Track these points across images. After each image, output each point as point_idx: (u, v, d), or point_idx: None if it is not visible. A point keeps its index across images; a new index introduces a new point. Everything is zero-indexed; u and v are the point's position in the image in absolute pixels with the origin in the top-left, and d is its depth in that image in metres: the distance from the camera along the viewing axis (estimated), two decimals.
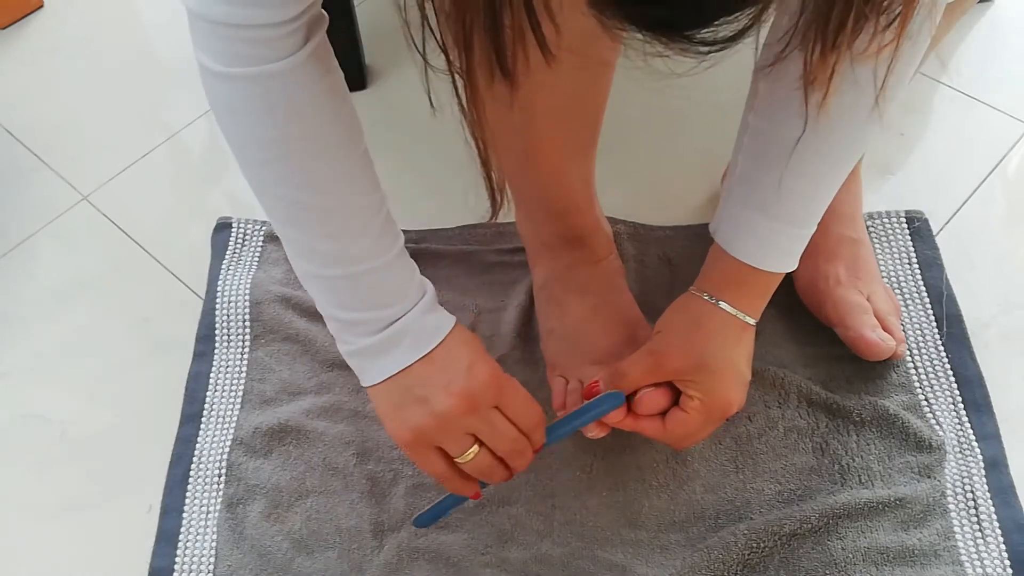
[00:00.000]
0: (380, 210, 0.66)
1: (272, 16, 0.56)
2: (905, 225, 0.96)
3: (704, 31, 0.43)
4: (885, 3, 0.46)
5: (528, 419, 0.70)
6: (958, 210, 0.98)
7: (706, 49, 0.44)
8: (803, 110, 0.58)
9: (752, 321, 0.74)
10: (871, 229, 0.96)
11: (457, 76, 0.52)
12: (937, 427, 0.83)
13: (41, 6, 1.28)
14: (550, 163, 0.80)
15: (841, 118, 0.64)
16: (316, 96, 0.61)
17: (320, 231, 0.65)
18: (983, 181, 1.00)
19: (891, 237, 0.96)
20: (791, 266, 0.73)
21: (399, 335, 0.66)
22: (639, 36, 0.44)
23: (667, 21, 0.43)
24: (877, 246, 0.95)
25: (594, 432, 0.76)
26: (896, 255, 0.95)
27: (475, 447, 0.69)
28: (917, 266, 0.93)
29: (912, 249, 0.95)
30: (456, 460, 0.69)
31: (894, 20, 0.46)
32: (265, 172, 0.64)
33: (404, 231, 0.97)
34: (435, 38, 0.51)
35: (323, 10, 0.61)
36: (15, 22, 1.26)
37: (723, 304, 0.73)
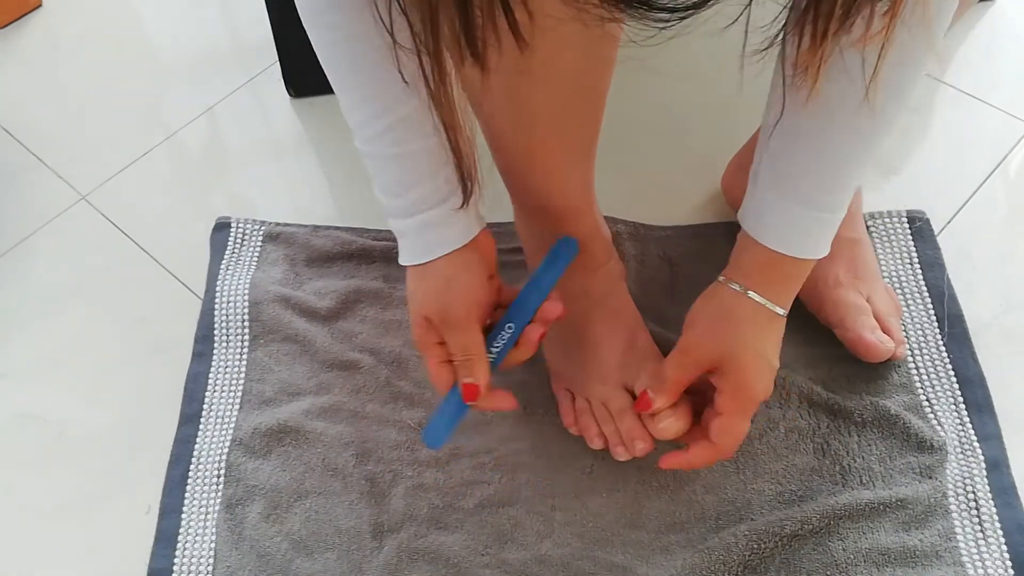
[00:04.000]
0: (408, 100, 0.65)
1: None
2: (907, 225, 0.96)
3: None
4: None
5: (462, 367, 0.72)
6: (959, 210, 0.98)
7: (667, 16, 0.43)
8: (846, 87, 0.57)
9: (781, 311, 0.73)
10: (872, 229, 0.96)
11: (424, 57, 0.52)
12: (938, 428, 0.83)
13: (39, 5, 1.28)
14: (549, 164, 0.79)
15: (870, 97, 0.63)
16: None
17: (370, 111, 0.66)
18: (985, 181, 1.00)
19: (892, 237, 0.96)
20: (821, 252, 0.71)
21: (409, 230, 0.69)
22: (595, 1, 0.43)
23: None
24: (878, 246, 0.95)
25: (623, 456, 0.78)
26: (897, 255, 0.94)
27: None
28: (918, 266, 0.93)
29: (913, 249, 0.94)
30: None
31: (888, 8, 0.46)
32: (331, 63, 0.65)
33: None
34: (404, 16, 0.50)
35: None
36: (13, 21, 1.26)
37: (752, 294, 0.72)
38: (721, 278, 0.74)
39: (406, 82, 0.58)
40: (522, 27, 0.46)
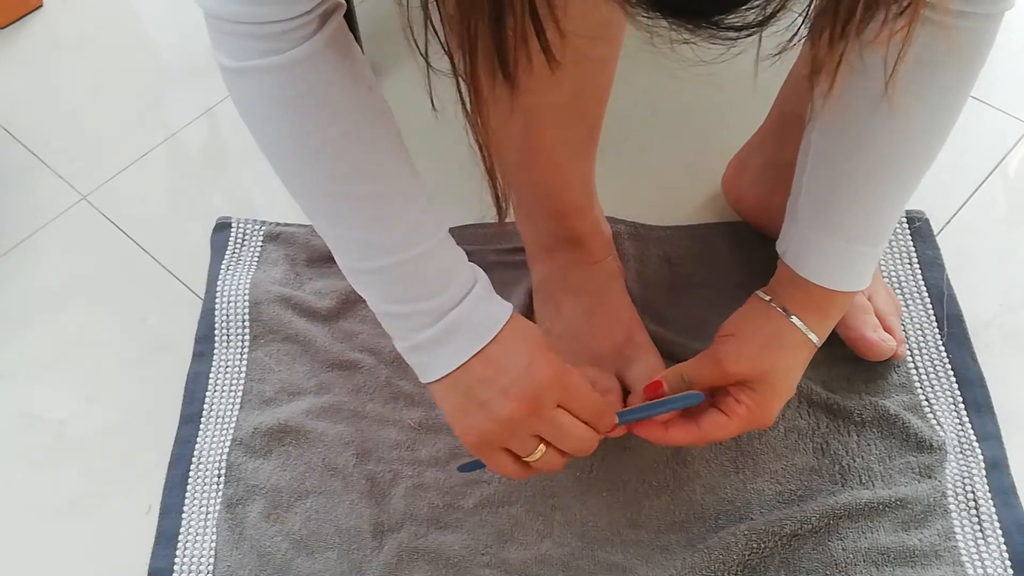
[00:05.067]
0: (416, 196, 0.64)
1: (285, 12, 0.56)
2: (906, 225, 0.96)
3: (731, 16, 0.42)
4: None
5: (592, 411, 0.69)
6: (959, 210, 0.98)
7: (734, 35, 0.43)
8: (872, 121, 0.57)
9: (817, 342, 0.73)
10: None
11: (461, 80, 0.51)
12: (938, 427, 0.83)
13: (40, 6, 1.28)
14: (550, 163, 0.79)
15: (908, 124, 0.63)
16: (334, 82, 0.60)
17: (355, 221, 0.63)
18: (984, 181, 1.00)
19: (892, 237, 0.96)
20: (863, 284, 0.72)
21: (451, 328, 0.64)
22: (664, 23, 0.43)
23: (694, 6, 0.42)
24: None
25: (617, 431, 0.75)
26: (897, 255, 0.94)
27: (542, 447, 0.68)
28: (918, 266, 0.93)
29: (913, 249, 0.95)
30: (524, 459, 0.68)
31: (906, 8, 0.45)
32: (292, 166, 0.63)
33: None
34: (439, 40, 0.50)
35: None
36: (14, 22, 1.26)
37: (795, 319, 0.72)
38: (765, 296, 0.73)
39: (435, 108, 0.56)
40: (552, 44, 0.47)
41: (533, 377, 0.65)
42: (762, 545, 0.76)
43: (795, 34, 0.46)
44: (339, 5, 0.60)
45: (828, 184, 0.69)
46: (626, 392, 0.82)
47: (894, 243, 0.95)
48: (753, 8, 0.42)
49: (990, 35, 0.61)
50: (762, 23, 0.42)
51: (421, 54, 0.52)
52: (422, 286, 0.64)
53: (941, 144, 0.67)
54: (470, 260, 0.68)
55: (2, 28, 1.26)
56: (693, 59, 0.46)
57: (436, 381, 0.67)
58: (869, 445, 0.82)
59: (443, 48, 0.50)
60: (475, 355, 0.65)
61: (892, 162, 0.67)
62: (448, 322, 0.64)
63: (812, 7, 0.46)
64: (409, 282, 0.64)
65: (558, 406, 0.67)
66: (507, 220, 0.63)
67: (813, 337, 0.72)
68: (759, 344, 0.72)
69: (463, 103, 0.53)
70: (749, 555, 0.76)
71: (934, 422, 0.83)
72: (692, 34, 0.43)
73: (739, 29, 0.43)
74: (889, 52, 0.53)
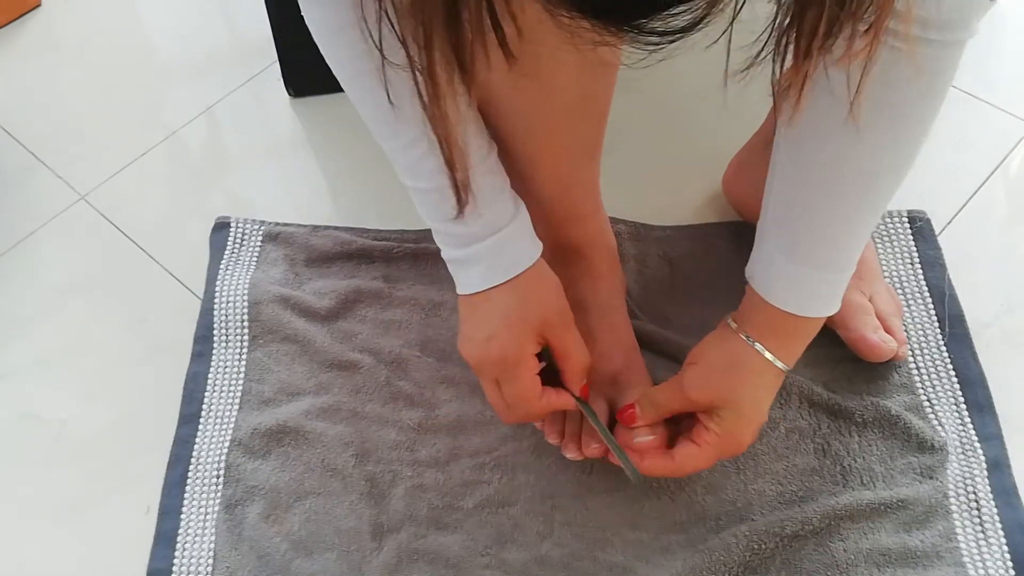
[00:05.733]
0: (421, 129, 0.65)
1: None
2: (907, 225, 0.96)
3: (654, 21, 0.41)
4: (857, 8, 0.44)
5: (515, 406, 0.75)
6: (960, 210, 0.98)
7: (656, 40, 0.42)
8: (837, 140, 0.58)
9: (785, 368, 0.73)
10: (874, 229, 0.96)
11: (417, 73, 0.52)
12: (939, 428, 0.83)
13: (38, 5, 1.28)
14: (553, 169, 0.79)
15: (872, 144, 0.63)
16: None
17: (403, 142, 0.67)
18: (985, 181, 1.00)
19: (893, 237, 0.95)
20: (830, 311, 0.72)
21: (474, 258, 0.70)
22: (586, 25, 0.42)
23: (614, 9, 0.41)
24: (879, 246, 0.95)
25: (573, 454, 0.79)
26: (898, 255, 0.94)
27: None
28: (919, 266, 0.93)
29: (915, 249, 0.94)
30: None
31: (868, 28, 0.46)
32: (348, 89, 0.66)
33: (405, 231, 0.98)
34: (395, 33, 0.50)
35: None
36: (12, 21, 1.26)
37: (759, 346, 0.72)
38: (732, 324, 0.74)
39: (391, 103, 0.59)
40: (510, 40, 0.47)
41: (487, 346, 0.72)
42: (763, 546, 0.76)
43: (762, 50, 0.46)
44: None
45: (793, 208, 0.69)
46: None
47: (896, 243, 0.95)
48: (677, 15, 0.41)
49: (951, 62, 0.61)
50: (686, 29, 0.42)
51: (376, 46, 0.53)
52: (448, 212, 0.68)
53: (907, 167, 0.66)
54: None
55: (1, 28, 1.25)
56: (621, 62, 0.46)
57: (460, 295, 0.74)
58: (870, 446, 0.82)
59: (399, 40, 0.50)
60: (484, 292, 0.71)
61: (856, 184, 0.66)
62: (471, 251, 0.70)
63: (776, 24, 0.45)
64: (443, 205, 0.68)
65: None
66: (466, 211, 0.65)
67: (779, 364, 0.72)
68: (721, 371, 0.73)
69: (420, 96, 0.54)
70: (750, 556, 0.76)
71: (935, 422, 0.83)
72: (614, 37, 0.43)
73: (661, 34, 0.42)
74: (853, 71, 0.53)
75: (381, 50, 0.52)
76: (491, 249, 0.70)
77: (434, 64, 0.50)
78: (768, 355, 0.72)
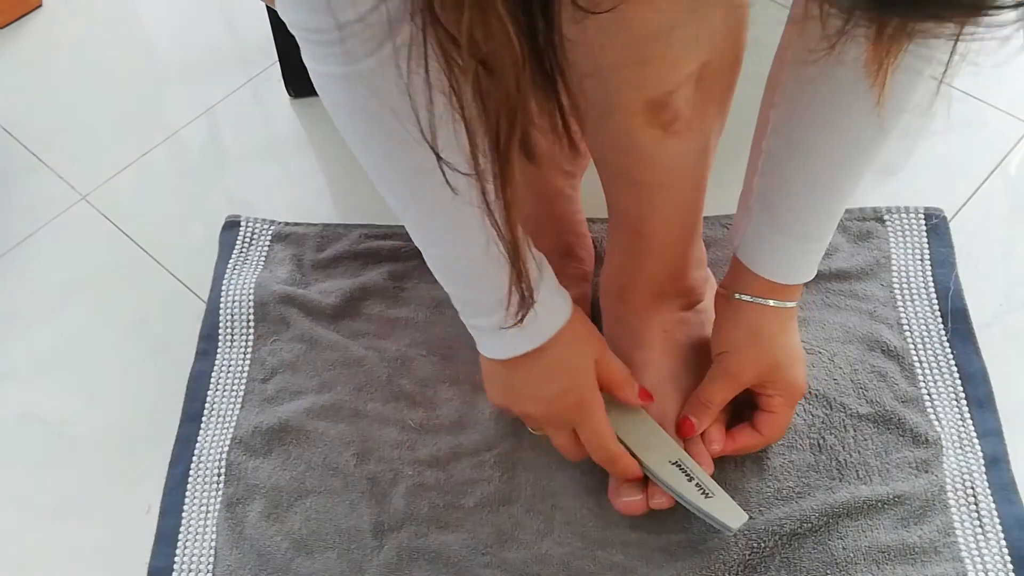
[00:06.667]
0: (469, 216, 0.62)
1: (315, 23, 0.54)
2: (923, 221, 0.96)
3: None
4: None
5: (598, 454, 0.75)
6: (960, 209, 0.98)
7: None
8: (831, 123, 0.58)
9: (794, 305, 0.76)
10: (888, 223, 0.96)
11: (484, 182, 0.53)
12: (935, 422, 0.83)
13: (39, 5, 1.28)
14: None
15: (870, 117, 0.64)
16: (383, 106, 0.57)
17: (419, 217, 0.65)
18: (985, 180, 1.00)
19: (907, 232, 0.96)
20: (810, 276, 0.75)
21: (502, 328, 0.67)
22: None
23: None
24: (892, 240, 0.95)
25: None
26: (909, 250, 0.95)
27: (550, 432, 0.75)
28: (928, 263, 0.94)
29: (926, 245, 0.95)
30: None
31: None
32: (362, 156, 0.64)
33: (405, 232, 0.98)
34: (466, 136, 0.50)
35: None
36: (13, 21, 1.26)
37: (772, 302, 0.75)
38: (736, 295, 0.76)
39: (453, 190, 0.56)
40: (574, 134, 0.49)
41: (557, 402, 0.71)
42: (762, 545, 0.76)
43: (848, 20, 0.42)
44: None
45: (783, 188, 0.70)
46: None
47: (908, 238, 0.95)
48: None
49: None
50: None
51: (431, 146, 0.52)
52: (479, 281, 0.66)
53: (888, 142, 0.68)
54: None
55: (2, 28, 1.26)
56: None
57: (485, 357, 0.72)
58: (866, 440, 0.82)
59: (471, 144, 0.50)
60: (520, 356, 0.69)
61: (855, 159, 0.68)
62: (499, 320, 0.66)
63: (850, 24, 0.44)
64: (466, 277, 0.67)
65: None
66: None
67: (789, 305, 0.75)
68: (753, 345, 0.76)
69: (486, 202, 0.54)
70: (749, 555, 0.76)
71: (932, 417, 0.83)
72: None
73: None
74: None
75: (437, 151, 0.51)
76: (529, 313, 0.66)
77: (511, 156, 0.50)
78: (777, 304, 0.75)
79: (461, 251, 0.65)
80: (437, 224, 0.64)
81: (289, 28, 0.57)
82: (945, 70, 0.40)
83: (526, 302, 0.62)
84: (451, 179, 0.54)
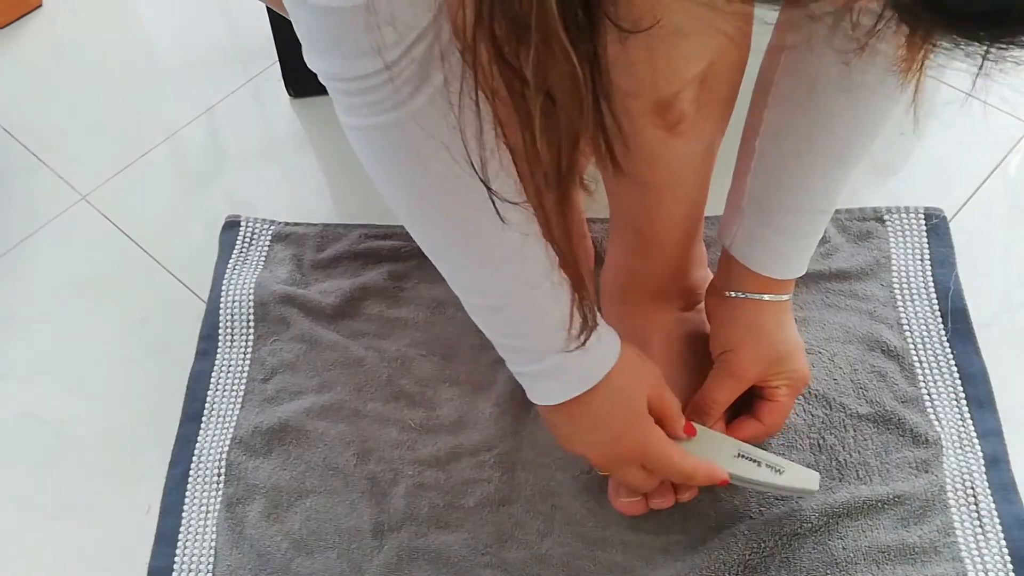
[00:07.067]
0: (520, 247, 0.61)
1: (358, 69, 0.52)
2: (923, 221, 0.96)
3: None
4: None
5: (674, 478, 0.74)
6: (960, 209, 0.98)
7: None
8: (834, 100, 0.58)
9: (788, 297, 0.77)
10: (888, 223, 0.96)
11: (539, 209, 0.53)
12: (935, 422, 0.83)
13: (39, 5, 1.28)
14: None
15: (866, 107, 0.65)
16: (433, 143, 0.55)
17: (459, 268, 0.64)
18: (985, 180, 1.00)
19: (907, 232, 0.96)
20: (803, 270, 0.76)
21: (552, 371, 0.66)
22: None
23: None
24: (892, 239, 0.95)
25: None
26: (910, 250, 0.95)
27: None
28: (928, 262, 0.94)
29: (926, 245, 0.95)
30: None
31: None
32: (400, 209, 0.62)
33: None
34: (527, 163, 0.51)
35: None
36: (13, 21, 1.26)
37: (767, 297, 0.75)
38: (729, 293, 0.76)
39: (503, 220, 0.56)
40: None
41: (614, 448, 0.70)
42: (762, 544, 0.76)
43: (880, 19, 0.40)
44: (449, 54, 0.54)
45: (776, 187, 0.71)
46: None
47: (908, 238, 0.95)
48: None
49: None
50: None
51: (481, 179, 0.52)
52: (526, 327, 0.65)
53: (879, 135, 0.68)
54: None
55: (2, 28, 1.26)
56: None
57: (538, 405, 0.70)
58: (866, 440, 0.82)
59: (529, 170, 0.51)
60: (572, 400, 0.67)
61: (849, 153, 0.68)
62: (550, 364, 0.65)
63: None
64: (514, 324, 0.65)
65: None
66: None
67: (784, 298, 0.76)
68: (755, 343, 0.76)
69: (547, 228, 0.55)
70: (749, 555, 0.76)
71: (932, 416, 0.83)
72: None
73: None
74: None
75: (486, 182, 0.51)
76: (577, 353, 0.64)
77: (573, 180, 0.51)
78: (772, 298, 0.75)
79: (519, 289, 0.62)
80: (492, 266, 0.62)
81: (322, 81, 0.55)
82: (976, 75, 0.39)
83: (588, 324, 0.62)
84: (502, 210, 0.54)
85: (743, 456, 0.75)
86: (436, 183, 0.58)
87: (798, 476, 0.75)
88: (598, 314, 0.66)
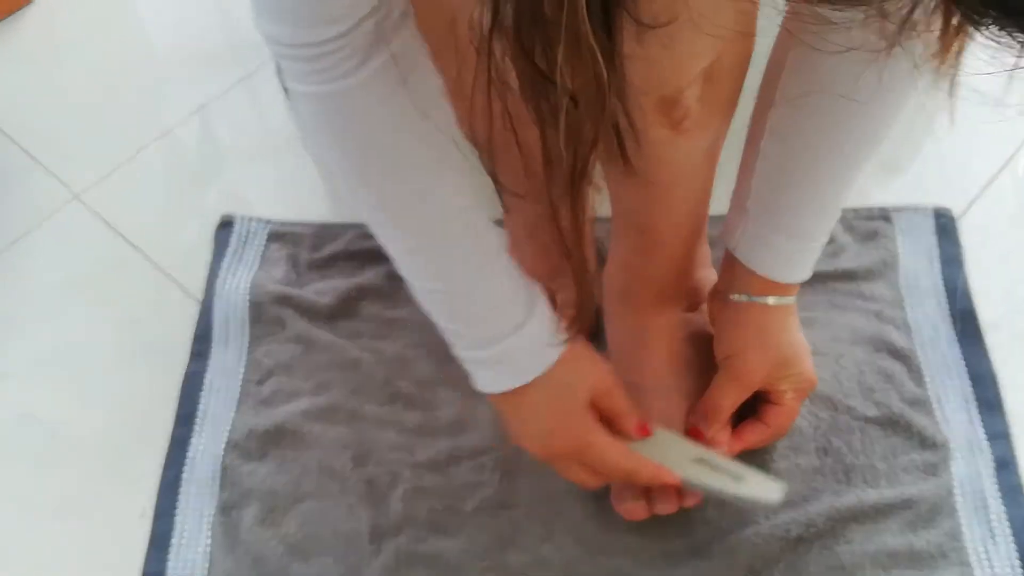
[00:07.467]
0: (465, 228, 0.63)
1: (312, 36, 0.52)
2: (931, 220, 0.96)
3: None
4: None
5: (612, 476, 0.73)
6: (967, 209, 0.98)
7: None
8: (834, 123, 0.60)
9: (792, 300, 0.76)
10: (896, 222, 0.96)
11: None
12: (944, 424, 0.82)
13: (30, 1, 1.27)
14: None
15: (877, 109, 0.64)
16: (382, 115, 0.57)
17: (402, 246, 0.64)
18: (993, 179, 1.00)
19: (916, 231, 0.95)
20: (808, 275, 0.75)
21: (493, 359, 0.66)
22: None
23: None
24: (900, 239, 0.94)
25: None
26: (919, 250, 0.94)
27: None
28: (938, 262, 0.93)
29: (935, 245, 0.94)
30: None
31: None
32: (342, 184, 0.63)
33: None
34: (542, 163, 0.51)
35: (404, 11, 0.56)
36: (4, 18, 1.25)
37: (772, 300, 0.75)
38: (734, 296, 0.75)
39: (504, 208, 0.59)
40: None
41: (550, 441, 0.70)
42: (767, 550, 0.76)
43: (912, 9, 0.39)
44: (402, 22, 0.56)
45: (781, 189, 0.71)
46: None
47: (917, 237, 0.95)
48: None
49: None
50: None
51: (489, 174, 0.54)
52: (468, 312, 0.65)
53: (888, 137, 0.68)
54: None
55: None
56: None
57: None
58: (873, 443, 0.81)
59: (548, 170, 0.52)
60: (511, 391, 0.67)
61: (853, 154, 0.68)
62: (490, 353, 0.66)
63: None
64: (455, 307, 0.66)
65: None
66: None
67: (787, 301, 0.75)
68: (755, 347, 0.76)
69: (561, 232, 0.56)
70: (754, 560, 0.75)
71: (940, 419, 0.83)
72: None
73: None
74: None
75: (496, 179, 0.54)
76: (518, 344, 0.65)
77: (586, 184, 0.51)
78: (776, 302, 0.75)
79: (466, 272, 0.64)
80: (439, 238, 0.63)
81: (269, 46, 0.55)
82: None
83: (584, 314, 0.64)
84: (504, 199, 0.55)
85: (702, 461, 0.74)
86: (384, 151, 0.59)
87: (759, 486, 0.73)
88: (534, 319, 0.66)
